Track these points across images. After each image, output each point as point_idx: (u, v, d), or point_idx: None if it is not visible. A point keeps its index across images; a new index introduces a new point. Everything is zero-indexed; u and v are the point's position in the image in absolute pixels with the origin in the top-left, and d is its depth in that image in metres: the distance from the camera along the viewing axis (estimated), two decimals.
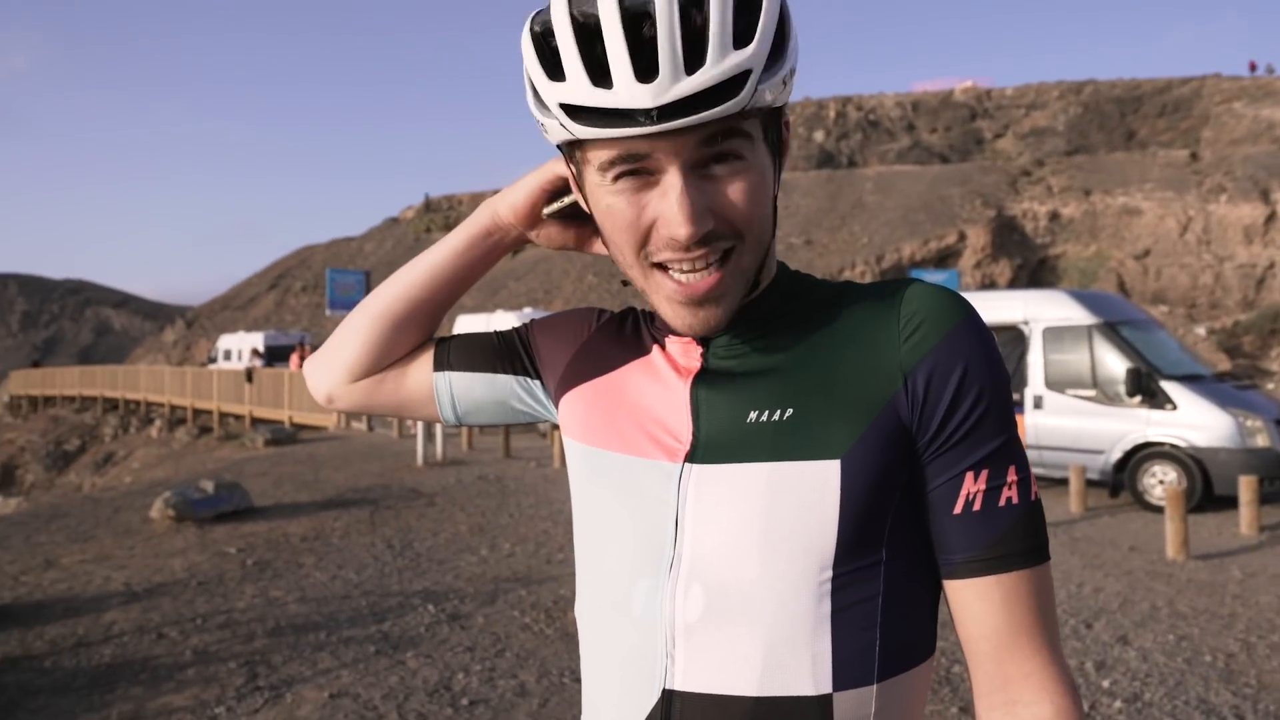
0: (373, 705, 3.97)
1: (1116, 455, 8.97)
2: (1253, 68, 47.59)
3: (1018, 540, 0.80)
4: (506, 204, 1.03)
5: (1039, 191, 36.22)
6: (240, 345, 30.75)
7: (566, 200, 1.00)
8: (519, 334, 1.08)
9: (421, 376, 1.09)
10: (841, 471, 0.80)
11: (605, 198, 0.81)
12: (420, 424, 11.73)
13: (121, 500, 10.38)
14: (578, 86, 0.76)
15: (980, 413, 0.81)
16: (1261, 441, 8.42)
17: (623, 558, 0.88)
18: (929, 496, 0.82)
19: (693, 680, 0.82)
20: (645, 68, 0.73)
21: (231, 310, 54.10)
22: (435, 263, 1.07)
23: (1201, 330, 26.52)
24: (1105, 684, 4.21)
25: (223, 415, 23.97)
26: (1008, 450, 0.82)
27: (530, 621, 5.18)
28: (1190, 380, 9.05)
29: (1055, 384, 9.50)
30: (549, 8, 0.79)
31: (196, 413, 25.62)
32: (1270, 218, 31.18)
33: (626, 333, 1.00)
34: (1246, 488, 7.68)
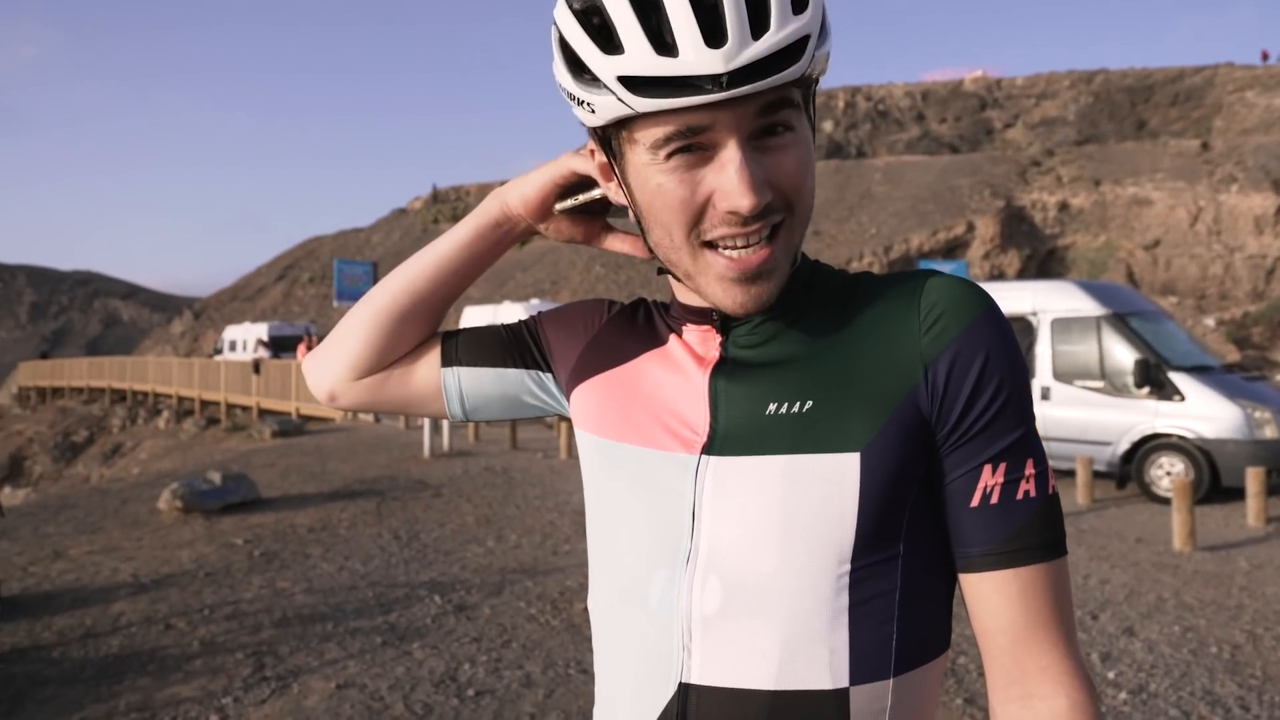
0: (379, 696, 3.99)
1: (1124, 447, 8.94)
2: (1265, 56, 47.22)
3: (1035, 534, 0.80)
4: (517, 195, 1.02)
5: (1048, 182, 36.04)
6: (245, 336, 30.84)
7: (583, 197, 0.99)
8: (528, 327, 1.06)
9: (428, 372, 1.07)
10: (861, 464, 0.79)
11: (655, 177, 0.79)
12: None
13: (129, 491, 10.43)
14: (640, 56, 0.73)
15: (1000, 405, 0.80)
16: (1270, 433, 8.38)
17: (639, 551, 0.87)
18: (946, 489, 0.82)
19: (710, 674, 0.81)
20: (711, 33, 0.72)
21: (239, 301, 54.24)
22: (442, 254, 1.05)
23: (1211, 321, 26.38)
24: (1111, 675, 4.20)
25: (230, 406, 24.06)
26: (1026, 443, 0.81)
27: (536, 613, 5.19)
28: (1199, 371, 9.01)
29: (1063, 375, 9.46)
30: None
31: (204, 404, 25.73)
32: None
33: (639, 323, 0.99)
34: (1254, 479, 7.64)
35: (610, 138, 0.82)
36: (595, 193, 0.97)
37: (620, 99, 0.75)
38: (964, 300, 0.82)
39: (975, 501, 0.81)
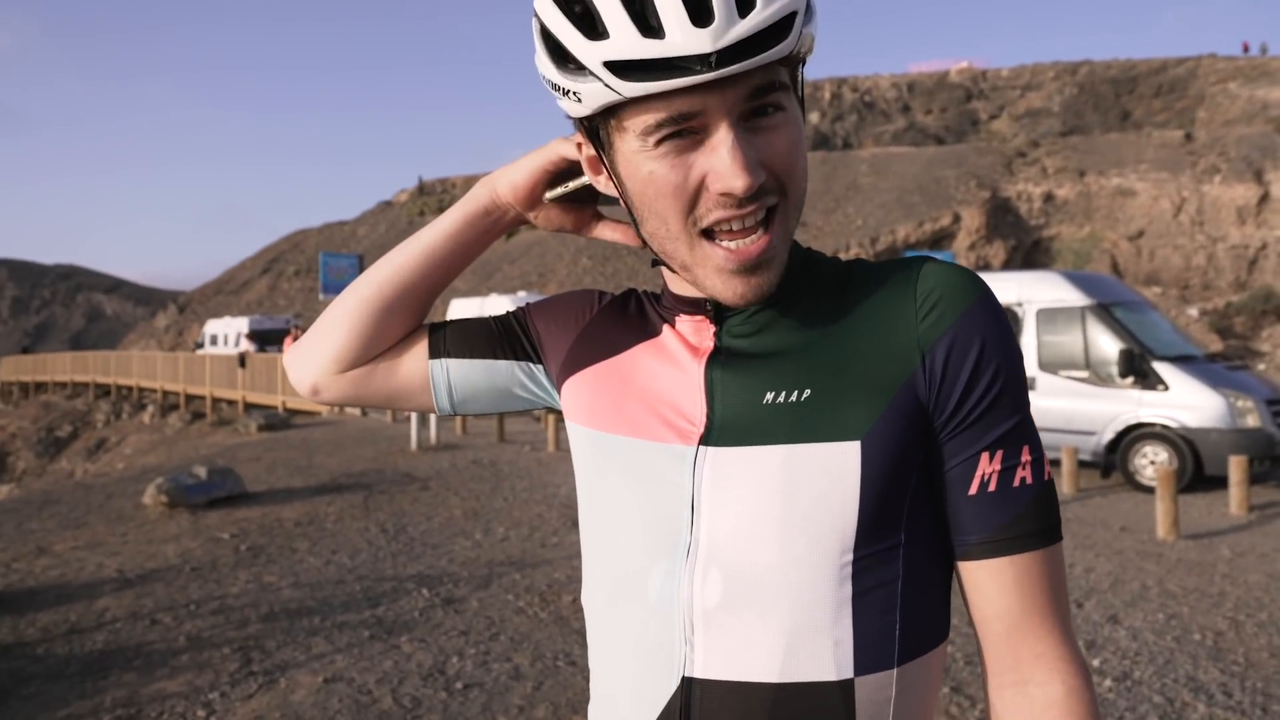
0: (367, 689, 3.98)
1: (1109, 436, 9.00)
2: (1245, 48, 47.54)
3: (1031, 521, 0.80)
4: (506, 183, 1.00)
5: (1034, 173, 36.19)
6: (227, 330, 30.69)
7: (573, 184, 0.97)
8: (517, 318, 1.04)
9: (415, 364, 1.04)
10: (862, 453, 0.78)
11: (646, 164, 0.77)
12: None
13: (114, 486, 10.36)
14: (625, 40, 0.72)
15: (997, 391, 0.80)
16: (1252, 422, 8.46)
17: (636, 544, 0.86)
18: (945, 476, 0.81)
19: (713, 667, 0.80)
20: (697, 13, 0.70)
21: (224, 295, 53.91)
22: (429, 244, 1.03)
23: (1194, 311, 26.61)
24: (1096, 663, 4.24)
25: (215, 401, 23.93)
26: (1022, 430, 0.81)
27: (524, 605, 5.19)
28: (1182, 361, 9.08)
29: (1048, 365, 9.52)
30: None
31: (189, 398, 25.58)
32: (1263, 199, 31.22)
33: (631, 314, 0.97)
34: (1236, 468, 7.71)
35: (598, 128, 0.80)
36: (584, 180, 0.95)
37: (608, 85, 0.74)
38: (960, 286, 0.82)
39: (973, 489, 0.80)
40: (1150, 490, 8.35)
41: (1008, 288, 10.01)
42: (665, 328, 0.92)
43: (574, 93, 0.77)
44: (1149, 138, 36.94)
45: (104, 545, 6.91)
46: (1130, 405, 8.93)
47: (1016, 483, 0.80)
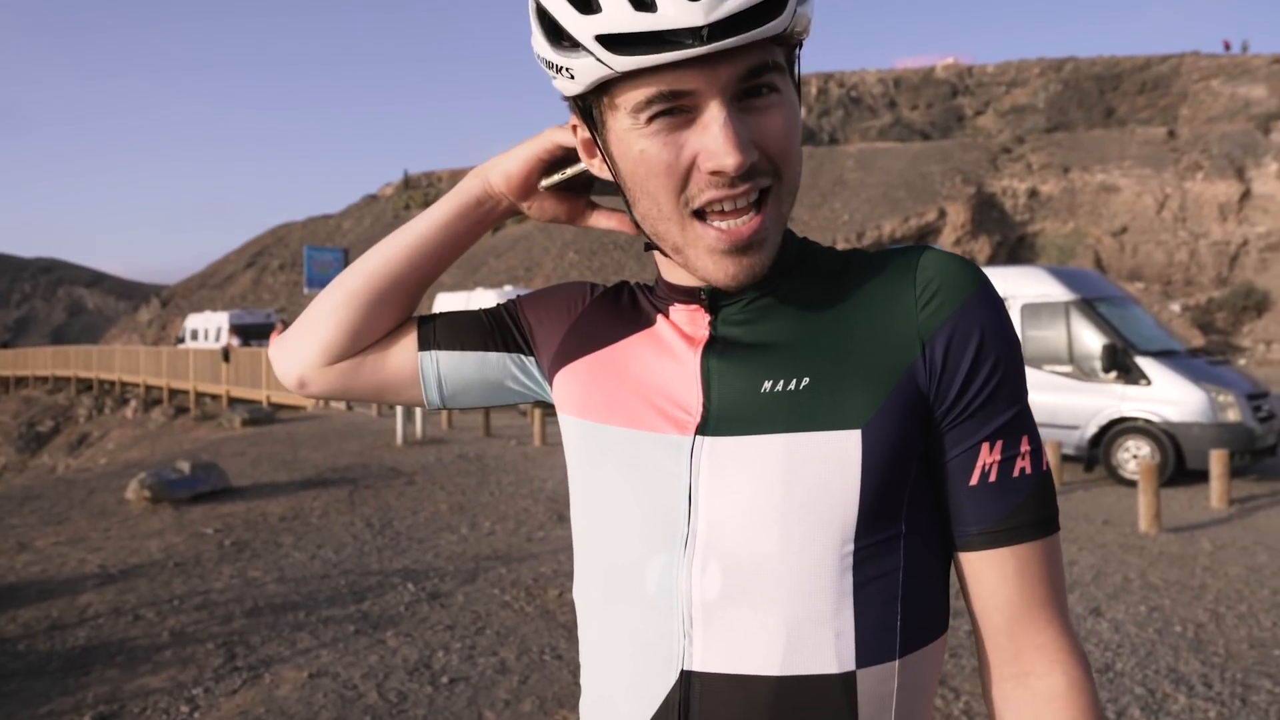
0: (352, 684, 3.97)
1: (1092, 430, 9.07)
2: (1226, 46, 47.90)
3: (1031, 511, 0.80)
4: (500, 172, 0.98)
5: (1019, 169, 36.37)
6: (207, 325, 30.48)
7: (570, 172, 0.96)
8: (508, 310, 1.03)
9: (405, 357, 1.02)
10: (862, 442, 0.77)
11: (638, 142, 0.76)
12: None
13: (96, 482, 10.28)
14: (617, 13, 0.72)
15: (996, 382, 0.80)
16: (1232, 416, 8.54)
17: (632, 537, 0.84)
18: (945, 467, 0.81)
19: (712, 660, 0.79)
20: None
21: (208, 289, 53.54)
22: (420, 234, 1.01)
23: (1176, 307, 26.84)
24: None
25: (199, 395, 23.75)
26: (1021, 420, 0.81)
27: (510, 599, 5.19)
28: (1165, 356, 9.15)
29: (1032, 360, 9.57)
30: None
31: (172, 393, 25.37)
32: (1245, 195, 31.51)
33: (624, 305, 0.96)
34: (1217, 462, 7.79)
35: (591, 107, 0.80)
36: (580, 166, 0.94)
37: (599, 59, 0.73)
38: (959, 276, 0.81)
39: (974, 480, 0.80)
40: (1132, 484, 8.41)
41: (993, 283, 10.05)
42: (659, 318, 0.91)
43: (567, 69, 0.77)
44: (1132, 134, 37.18)
45: (86, 541, 6.86)
46: (1113, 400, 8.99)
47: (1016, 473, 0.80)
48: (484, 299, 18.55)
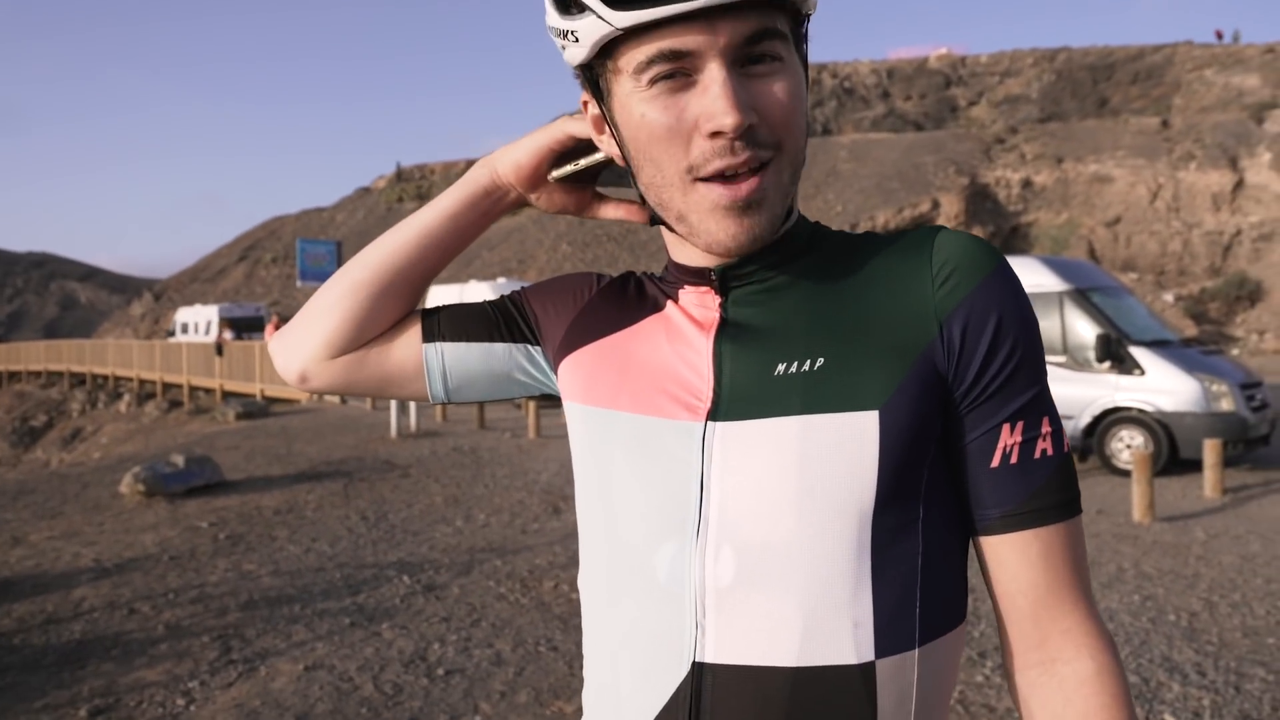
0: (348, 677, 3.97)
1: (1086, 420, 9.09)
2: (1219, 36, 47.89)
3: (1054, 493, 0.78)
4: (509, 162, 0.97)
5: (1012, 159, 36.37)
6: (198, 318, 30.42)
7: (584, 163, 0.95)
8: (513, 300, 1.01)
9: (409, 349, 1.00)
10: (880, 423, 0.76)
11: (639, 106, 0.76)
12: None
13: (90, 476, 10.26)
14: None
15: (1016, 362, 0.79)
16: (1226, 406, 8.56)
17: (640, 524, 0.82)
18: (965, 449, 0.79)
19: (725, 651, 0.77)
20: None
21: (200, 283, 53.36)
22: (427, 224, 0.99)
23: (1169, 297, 26.92)
24: None
25: (193, 389, 23.69)
26: (1041, 400, 0.80)
27: (506, 591, 5.19)
28: (1158, 346, 9.17)
29: None
30: None
31: (166, 387, 25.30)
32: (1238, 185, 31.55)
33: (630, 293, 0.95)
34: (1211, 451, 7.82)
35: (597, 77, 0.80)
36: (596, 156, 0.93)
37: (600, 16, 0.74)
38: (976, 256, 0.80)
39: (995, 462, 0.78)
40: (1126, 473, 8.44)
41: None
42: (669, 303, 0.90)
43: (573, 33, 0.77)
44: (1126, 124, 37.21)
45: (81, 535, 6.84)
46: (1107, 390, 9.01)
47: (1038, 454, 0.78)
48: (477, 291, 18.51)
